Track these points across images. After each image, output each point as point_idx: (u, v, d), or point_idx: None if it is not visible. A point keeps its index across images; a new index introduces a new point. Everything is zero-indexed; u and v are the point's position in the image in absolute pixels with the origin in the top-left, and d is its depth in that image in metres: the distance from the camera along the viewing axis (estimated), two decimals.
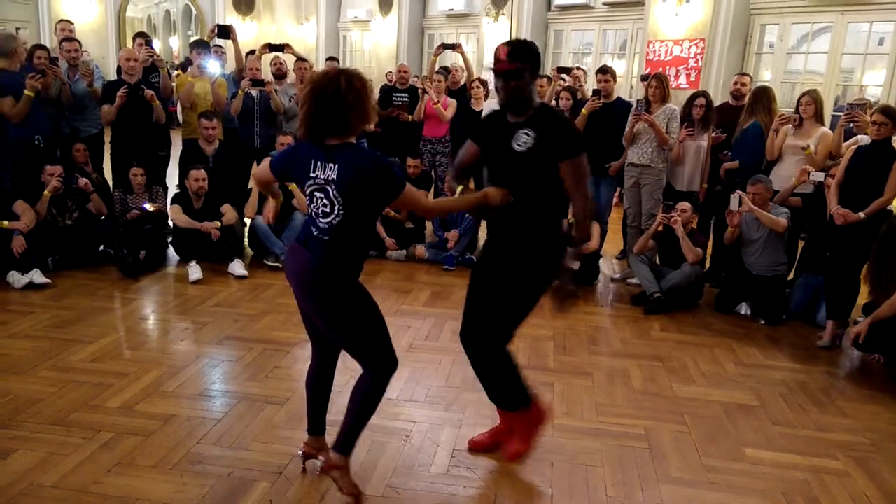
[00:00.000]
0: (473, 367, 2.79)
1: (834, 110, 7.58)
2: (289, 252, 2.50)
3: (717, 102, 5.72)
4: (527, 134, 2.53)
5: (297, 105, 5.93)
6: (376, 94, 6.62)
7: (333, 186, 2.25)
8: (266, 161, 2.63)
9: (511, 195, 2.54)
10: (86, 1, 13.01)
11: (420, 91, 6.39)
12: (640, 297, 4.96)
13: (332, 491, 2.55)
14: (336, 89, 2.21)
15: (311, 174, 2.30)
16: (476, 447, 2.89)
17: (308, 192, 2.33)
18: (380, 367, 2.45)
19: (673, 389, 3.60)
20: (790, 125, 5.03)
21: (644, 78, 6.50)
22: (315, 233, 2.34)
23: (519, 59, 2.49)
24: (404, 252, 5.83)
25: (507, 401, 2.81)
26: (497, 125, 2.64)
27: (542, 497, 2.60)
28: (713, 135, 5.37)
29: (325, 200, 2.28)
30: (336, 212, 2.27)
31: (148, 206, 5.20)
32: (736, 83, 5.67)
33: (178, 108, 6.44)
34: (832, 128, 5.11)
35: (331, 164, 2.26)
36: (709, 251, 5.32)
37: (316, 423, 2.66)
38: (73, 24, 6.49)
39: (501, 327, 2.68)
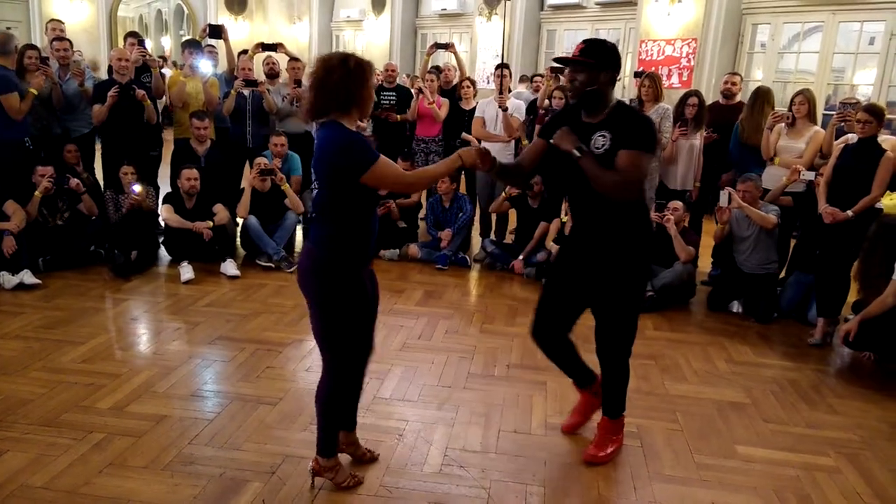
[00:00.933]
0: (553, 357, 3.04)
1: (825, 109, 7.62)
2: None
3: (709, 101, 5.73)
4: (603, 136, 2.55)
5: (290, 105, 5.97)
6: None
7: (313, 161, 2.35)
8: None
9: (486, 155, 2.51)
10: (77, 0, 12.94)
11: (415, 91, 6.39)
12: None
13: (325, 490, 2.55)
14: (327, 68, 2.27)
15: None
16: (568, 430, 3.07)
17: None
18: (332, 369, 2.47)
19: (665, 387, 3.61)
20: (783, 124, 5.06)
21: (637, 74, 6.50)
22: (312, 214, 2.39)
23: (590, 55, 2.53)
24: (397, 251, 5.83)
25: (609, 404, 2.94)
26: (571, 125, 2.63)
27: (534, 496, 2.60)
28: (705, 134, 5.38)
29: (313, 177, 2.38)
30: (319, 188, 2.36)
31: (136, 188, 5.14)
32: (727, 82, 5.70)
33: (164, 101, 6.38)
34: (824, 127, 5.14)
35: (315, 142, 2.35)
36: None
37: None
38: (63, 23, 6.44)
39: (627, 328, 2.81)
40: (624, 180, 2.49)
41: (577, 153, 2.49)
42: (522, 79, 9.91)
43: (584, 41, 2.61)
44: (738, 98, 5.74)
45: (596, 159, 2.53)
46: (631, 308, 2.78)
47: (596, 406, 3.03)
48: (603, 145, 2.54)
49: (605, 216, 2.63)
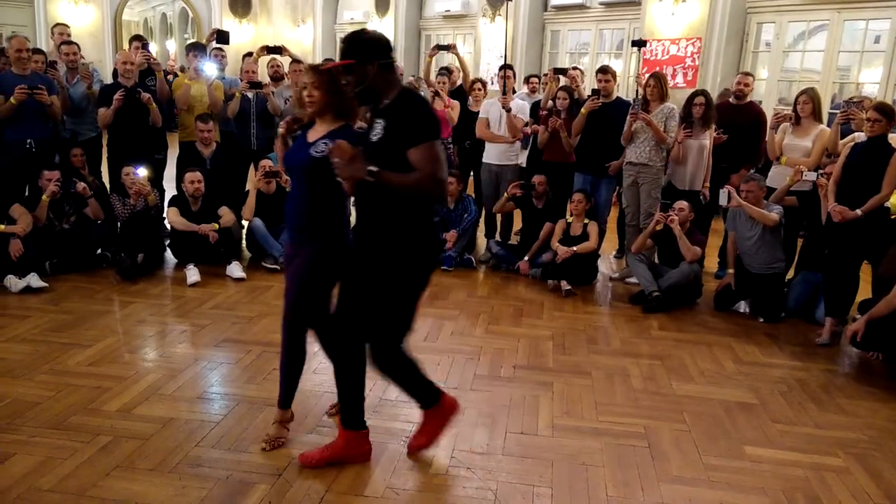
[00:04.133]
0: (335, 366, 2.71)
1: (831, 108, 7.59)
2: None
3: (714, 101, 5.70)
4: (379, 123, 2.51)
5: (293, 107, 5.97)
6: None
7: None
8: None
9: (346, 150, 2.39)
10: (82, 4, 13.00)
11: (431, 94, 6.38)
12: (639, 296, 4.96)
13: (331, 492, 2.55)
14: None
15: None
16: (306, 462, 2.73)
17: None
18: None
19: (672, 388, 3.60)
20: (788, 123, 5.04)
21: (635, 43, 6.25)
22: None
23: (349, 55, 2.50)
24: None
25: (351, 418, 2.74)
26: (371, 117, 2.62)
27: (541, 497, 2.60)
28: (715, 135, 5.36)
29: None
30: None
31: (140, 172, 5.14)
32: (739, 83, 5.57)
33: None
34: (830, 125, 5.12)
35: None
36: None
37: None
38: (69, 27, 6.47)
39: (370, 325, 2.60)
40: (426, 176, 2.40)
41: (370, 178, 2.36)
42: (527, 80, 9.91)
43: (343, 40, 2.54)
44: (749, 98, 5.67)
45: (376, 150, 2.46)
46: (380, 298, 2.57)
47: (437, 418, 2.85)
48: (377, 134, 2.49)
49: (382, 212, 2.52)
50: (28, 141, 5.15)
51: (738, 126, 5.41)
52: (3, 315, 4.18)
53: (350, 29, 12.61)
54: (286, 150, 2.87)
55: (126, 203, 5.25)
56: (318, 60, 13.46)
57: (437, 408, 2.82)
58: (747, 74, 5.75)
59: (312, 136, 2.74)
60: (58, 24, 6.42)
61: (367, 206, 2.56)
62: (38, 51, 5.76)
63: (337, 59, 2.61)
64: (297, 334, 2.80)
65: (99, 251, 5.28)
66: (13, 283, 4.56)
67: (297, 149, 2.79)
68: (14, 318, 4.15)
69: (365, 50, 2.50)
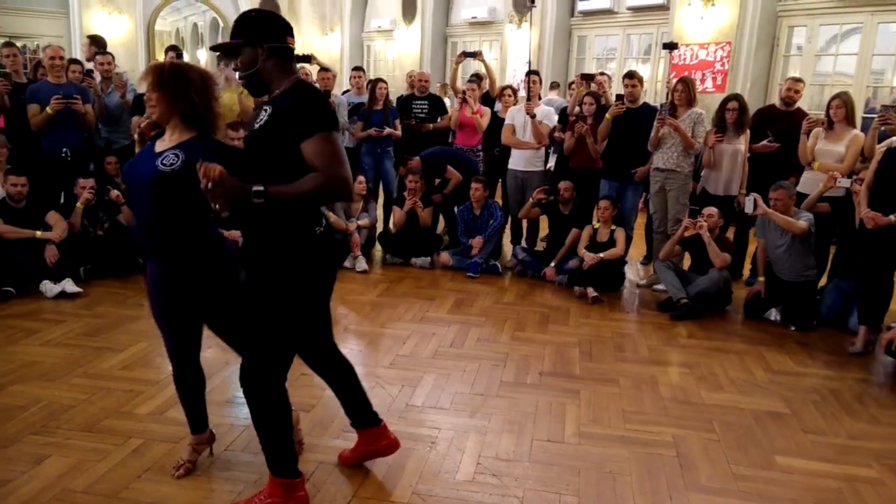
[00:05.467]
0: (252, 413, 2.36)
1: (864, 112, 7.45)
2: None
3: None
4: (265, 110, 2.19)
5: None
6: (393, 102, 6.66)
7: None
8: None
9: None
10: (116, 15, 13.27)
11: (459, 100, 6.40)
12: (667, 304, 4.91)
13: (357, 497, 2.56)
14: None
15: None
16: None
17: None
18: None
19: (701, 396, 3.56)
20: (821, 128, 4.96)
21: (666, 46, 6.15)
22: None
23: (237, 34, 2.21)
24: (429, 259, 5.84)
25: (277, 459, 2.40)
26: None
27: None
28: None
29: None
30: None
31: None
32: (789, 89, 5.41)
33: None
34: (864, 130, 5.02)
35: None
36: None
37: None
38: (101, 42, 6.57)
39: (264, 350, 2.28)
40: (326, 177, 2.08)
41: (258, 200, 2.03)
42: (553, 86, 9.89)
43: (235, 20, 2.25)
44: (798, 105, 5.50)
45: (255, 139, 2.19)
46: (268, 322, 2.25)
47: (369, 442, 2.72)
48: (261, 119, 2.19)
49: (264, 222, 2.22)
50: (64, 150, 5.29)
51: (786, 134, 5.25)
52: (38, 319, 4.28)
53: (377, 37, 12.68)
54: None
55: None
56: (347, 68, 13.57)
57: (372, 431, 2.69)
58: (797, 80, 5.52)
59: (161, 145, 2.36)
60: (91, 36, 6.52)
61: (249, 221, 2.25)
62: (74, 60, 5.90)
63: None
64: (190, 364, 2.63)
65: (132, 257, 5.37)
66: (48, 288, 4.67)
67: (140, 160, 2.38)
68: (49, 322, 4.25)
69: (255, 29, 2.18)
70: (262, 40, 2.18)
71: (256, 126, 2.21)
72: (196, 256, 2.41)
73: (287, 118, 2.11)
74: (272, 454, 2.37)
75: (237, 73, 2.31)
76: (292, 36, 2.26)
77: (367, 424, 2.73)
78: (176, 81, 2.30)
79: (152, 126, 2.46)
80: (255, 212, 2.14)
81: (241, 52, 2.21)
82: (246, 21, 2.22)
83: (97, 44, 7.04)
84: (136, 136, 2.49)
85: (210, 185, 1.95)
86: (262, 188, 2.02)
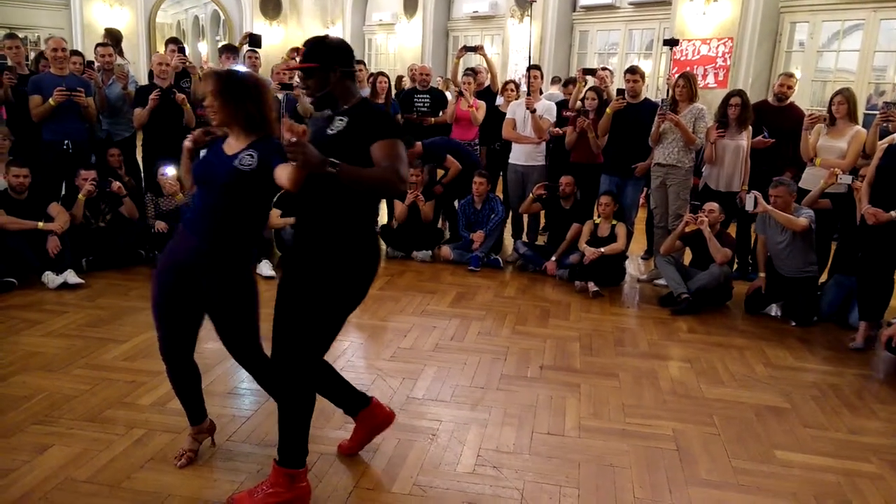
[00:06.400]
0: (279, 393, 2.52)
1: (866, 109, 7.45)
2: None
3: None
4: (341, 120, 2.44)
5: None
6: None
7: None
8: None
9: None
10: (117, 7, 13.25)
11: (455, 94, 6.40)
12: (668, 298, 4.92)
13: (359, 488, 2.57)
14: None
15: None
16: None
17: None
18: None
19: (701, 391, 3.57)
20: (822, 124, 4.96)
21: (667, 42, 6.23)
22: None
23: (313, 59, 2.44)
24: (430, 253, 5.85)
25: (291, 449, 2.50)
26: (322, 120, 2.55)
27: (568, 497, 2.59)
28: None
29: None
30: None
31: (169, 171, 5.24)
32: (782, 85, 5.46)
33: None
34: (866, 126, 5.02)
35: None
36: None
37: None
38: (109, 47, 6.41)
39: (310, 340, 2.44)
40: (391, 170, 2.29)
41: (332, 170, 2.16)
42: (554, 80, 9.88)
43: (305, 43, 2.51)
44: (792, 100, 5.53)
45: (333, 143, 2.37)
46: (316, 315, 2.41)
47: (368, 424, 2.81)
48: (338, 127, 2.41)
49: (327, 217, 2.40)
50: (65, 142, 5.29)
51: (779, 129, 5.29)
52: (40, 310, 4.29)
53: (378, 30, 12.68)
54: (192, 162, 2.61)
55: (159, 203, 5.35)
56: None
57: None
58: (790, 76, 5.59)
59: (230, 149, 2.49)
60: (99, 45, 6.38)
61: (310, 210, 2.43)
62: (75, 52, 5.89)
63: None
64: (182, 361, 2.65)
65: (134, 249, 5.38)
66: (50, 279, 4.67)
67: (213, 160, 2.51)
68: (51, 313, 4.26)
69: (330, 55, 2.44)
70: (335, 65, 2.43)
71: (330, 132, 2.41)
72: (241, 251, 2.53)
73: (362, 126, 2.37)
74: (287, 442, 2.46)
75: (305, 91, 2.54)
76: (356, 62, 2.56)
77: (360, 406, 2.78)
78: (235, 90, 2.44)
79: (206, 133, 2.60)
80: (324, 199, 2.35)
81: (315, 74, 2.44)
82: (321, 47, 2.46)
83: (112, 38, 7.02)
84: (188, 143, 2.61)
85: (294, 139, 2.06)
86: (337, 161, 2.18)
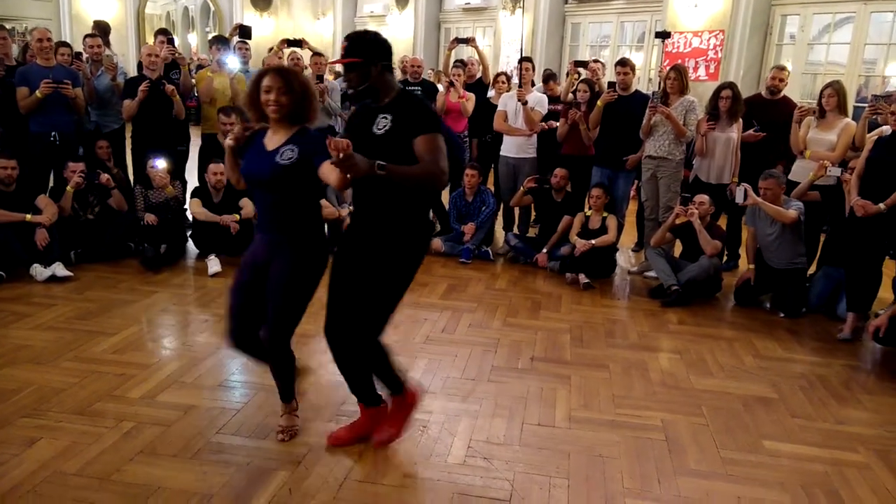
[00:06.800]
0: (336, 361, 2.71)
1: (856, 101, 7.47)
2: None
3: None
4: (385, 118, 2.54)
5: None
6: None
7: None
8: None
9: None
10: None
11: (446, 85, 6.38)
12: (658, 290, 4.93)
13: (350, 480, 2.58)
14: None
15: None
16: (336, 442, 2.83)
17: None
18: None
19: (691, 382, 3.59)
20: (812, 117, 4.98)
21: (658, 35, 6.30)
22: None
23: (356, 54, 2.53)
24: None
25: (368, 396, 2.82)
26: (362, 112, 2.66)
27: (558, 488, 2.61)
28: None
29: None
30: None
31: (160, 163, 5.21)
32: (774, 78, 5.46)
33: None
34: (856, 119, 5.04)
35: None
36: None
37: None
38: (98, 38, 6.34)
39: (368, 318, 2.61)
40: (432, 165, 2.45)
41: (381, 173, 2.30)
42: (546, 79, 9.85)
43: (347, 38, 2.58)
44: (784, 93, 5.53)
45: (381, 142, 2.49)
46: (377, 290, 2.60)
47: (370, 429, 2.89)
48: (384, 126, 2.52)
49: (385, 206, 2.56)
50: (52, 134, 5.24)
51: (771, 122, 5.28)
52: (28, 303, 4.27)
53: (370, 22, 12.59)
54: (236, 160, 2.72)
55: (148, 196, 5.32)
56: (338, 53, 13.50)
57: (402, 396, 2.84)
58: (781, 69, 5.57)
59: (271, 143, 2.59)
60: (87, 36, 6.32)
61: (366, 199, 2.59)
62: (63, 43, 5.83)
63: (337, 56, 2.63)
64: (285, 343, 2.71)
65: (122, 241, 5.35)
66: (39, 272, 4.65)
67: (256, 160, 2.60)
68: (40, 306, 4.23)
69: (371, 50, 2.54)
70: (377, 59, 2.54)
71: (379, 132, 2.51)
72: (313, 235, 2.66)
73: (405, 122, 2.49)
74: (363, 391, 2.80)
75: (346, 84, 2.63)
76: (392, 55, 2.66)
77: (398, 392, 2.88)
78: (302, 87, 2.56)
79: (246, 129, 2.69)
80: (378, 193, 2.51)
81: (357, 68, 2.54)
82: (363, 42, 2.56)
83: (101, 30, 6.95)
84: (230, 141, 2.69)
85: (342, 155, 2.14)
86: (384, 163, 2.30)
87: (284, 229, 2.61)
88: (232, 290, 2.72)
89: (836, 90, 4.88)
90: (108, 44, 6.94)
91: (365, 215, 2.63)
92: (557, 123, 5.92)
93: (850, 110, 5.29)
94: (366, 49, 2.53)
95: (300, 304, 2.63)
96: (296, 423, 2.91)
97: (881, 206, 4.19)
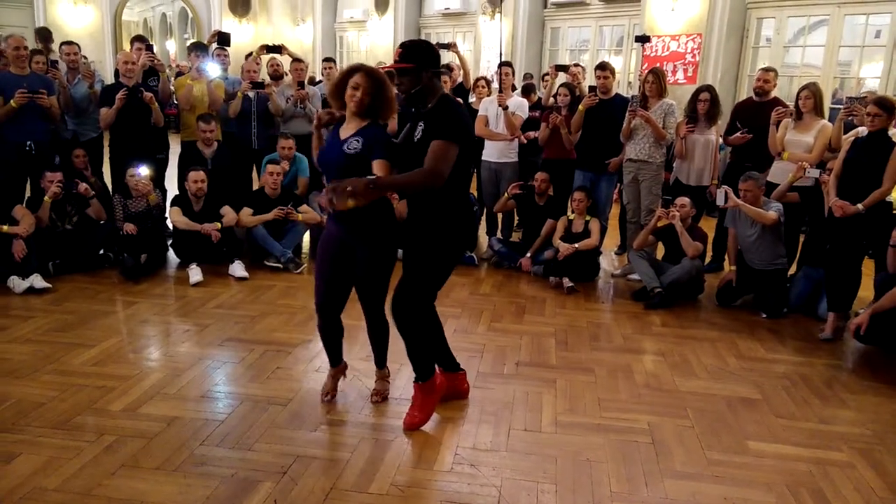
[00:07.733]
0: (401, 331, 2.97)
1: (832, 103, 7.58)
2: None
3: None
4: (420, 125, 2.78)
5: (294, 106, 5.98)
6: None
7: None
8: None
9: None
10: (81, 5, 13.00)
11: None
12: (641, 293, 4.96)
13: (336, 489, 2.55)
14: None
15: None
16: (412, 426, 3.02)
17: None
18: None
19: (675, 384, 3.60)
20: (789, 119, 5.03)
21: (638, 39, 6.40)
22: None
23: (410, 59, 2.74)
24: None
25: (439, 363, 3.17)
26: (411, 116, 2.92)
27: (546, 493, 2.60)
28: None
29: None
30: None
31: (142, 171, 5.16)
32: (759, 79, 5.46)
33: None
34: (832, 120, 5.11)
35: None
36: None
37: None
38: (75, 45, 6.28)
39: (418, 288, 2.91)
40: (427, 170, 2.64)
41: (370, 188, 2.51)
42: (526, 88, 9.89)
43: (402, 45, 2.80)
44: (773, 94, 5.51)
45: (418, 149, 2.72)
46: (433, 268, 2.91)
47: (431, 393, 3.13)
48: (419, 134, 2.76)
49: (426, 201, 2.84)
50: (28, 143, 5.16)
51: (760, 124, 5.24)
52: (6, 316, 4.19)
53: (350, 27, 12.56)
54: (321, 144, 3.02)
55: (127, 205, 5.25)
56: (319, 59, 13.45)
57: (431, 382, 3.08)
58: (767, 70, 5.56)
59: (344, 133, 2.86)
60: (64, 44, 6.24)
61: (415, 201, 2.89)
62: (38, 51, 5.76)
63: (391, 62, 2.88)
64: (381, 311, 3.05)
65: (102, 251, 5.28)
66: (16, 283, 4.57)
67: (330, 148, 2.91)
68: (18, 318, 4.16)
69: (424, 57, 2.74)
70: (428, 66, 2.76)
71: (416, 139, 2.78)
72: (383, 221, 2.89)
73: (431, 128, 2.71)
74: (419, 362, 3.03)
75: (397, 88, 2.84)
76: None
77: (452, 369, 3.25)
78: (384, 88, 2.80)
79: (329, 113, 2.97)
80: (424, 198, 2.81)
81: (409, 73, 2.75)
82: (417, 49, 2.78)
83: (42, 36, 6.86)
84: (315, 125, 3.02)
85: (329, 198, 2.46)
86: (374, 177, 2.57)
87: (357, 221, 2.82)
88: (318, 263, 3.02)
89: (812, 92, 4.94)
90: (49, 51, 6.85)
91: (417, 214, 2.90)
92: (536, 134, 5.93)
93: (827, 112, 5.35)
94: (418, 55, 2.73)
95: (385, 279, 2.98)
96: (387, 387, 3.28)
97: (859, 206, 4.24)
